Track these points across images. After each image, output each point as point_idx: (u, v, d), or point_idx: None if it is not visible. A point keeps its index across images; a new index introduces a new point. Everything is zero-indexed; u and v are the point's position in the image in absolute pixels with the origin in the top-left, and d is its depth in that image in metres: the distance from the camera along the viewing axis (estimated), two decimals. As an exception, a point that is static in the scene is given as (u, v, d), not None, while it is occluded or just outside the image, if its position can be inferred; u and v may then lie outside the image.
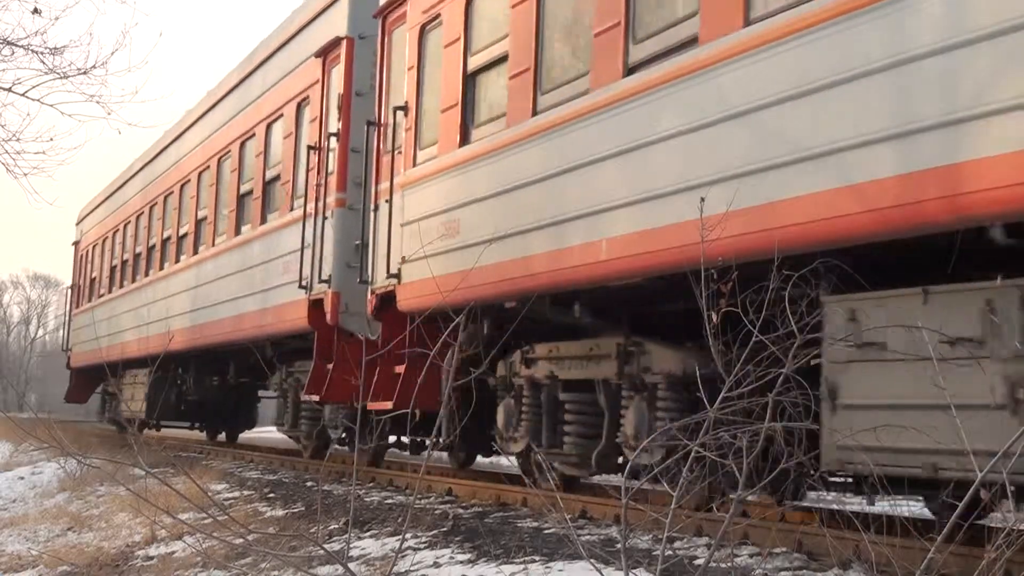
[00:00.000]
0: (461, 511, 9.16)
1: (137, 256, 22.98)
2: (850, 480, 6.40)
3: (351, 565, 6.02)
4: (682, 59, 6.83)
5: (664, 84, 6.94)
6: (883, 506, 6.22)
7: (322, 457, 14.25)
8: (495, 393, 9.94)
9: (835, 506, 7.54)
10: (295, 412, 15.08)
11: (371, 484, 12.19)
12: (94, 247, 27.92)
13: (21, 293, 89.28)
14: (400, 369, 10.20)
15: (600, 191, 7.53)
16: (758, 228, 6.02)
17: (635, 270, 7.26)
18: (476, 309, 8.93)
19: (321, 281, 12.49)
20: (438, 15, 10.17)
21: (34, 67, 15.32)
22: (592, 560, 5.00)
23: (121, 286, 24.14)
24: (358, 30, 12.60)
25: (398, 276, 10.32)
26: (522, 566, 6.23)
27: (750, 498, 6.68)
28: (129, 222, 24.14)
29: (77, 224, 31.02)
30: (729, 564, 5.77)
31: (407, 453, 13.86)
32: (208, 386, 20.87)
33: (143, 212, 22.90)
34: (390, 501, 10.25)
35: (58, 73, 15.06)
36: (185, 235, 19.20)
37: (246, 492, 12.68)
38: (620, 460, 8.68)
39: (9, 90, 15.20)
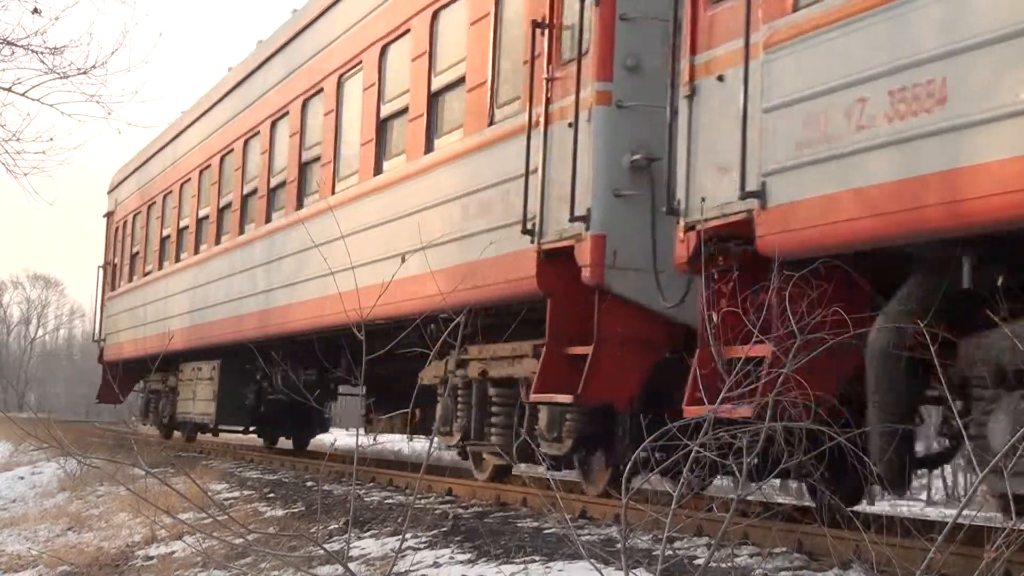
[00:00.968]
0: (461, 511, 9.17)
1: (202, 221, 18.10)
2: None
3: (351, 565, 6.02)
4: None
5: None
6: (883, 506, 6.22)
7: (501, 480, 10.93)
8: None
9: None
10: (481, 417, 10.03)
11: (371, 484, 12.19)
12: (135, 217, 23.17)
13: (21, 293, 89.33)
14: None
15: None
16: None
17: None
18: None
19: (574, 219, 8.10)
20: None
21: (34, 67, 15.32)
22: (592, 560, 5.00)
23: (177, 260, 19.49)
24: None
25: (760, 194, 6.24)
26: (522, 566, 6.23)
27: (750, 498, 6.67)
28: (188, 180, 19.21)
29: (110, 192, 26.12)
30: (729, 564, 5.77)
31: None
32: (302, 382, 15.17)
33: (207, 167, 18.03)
34: (390, 501, 10.25)
35: (58, 73, 15.08)
36: (280, 185, 14.44)
37: (246, 492, 12.69)
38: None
39: (9, 90, 15.22)
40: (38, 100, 15.32)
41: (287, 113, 14.44)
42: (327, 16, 13.28)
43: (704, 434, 4.76)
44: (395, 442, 34.84)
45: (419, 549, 7.27)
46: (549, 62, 8.58)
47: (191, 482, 6.86)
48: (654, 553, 5.94)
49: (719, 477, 6.12)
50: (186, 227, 19.12)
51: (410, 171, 10.80)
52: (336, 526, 8.85)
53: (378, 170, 11.50)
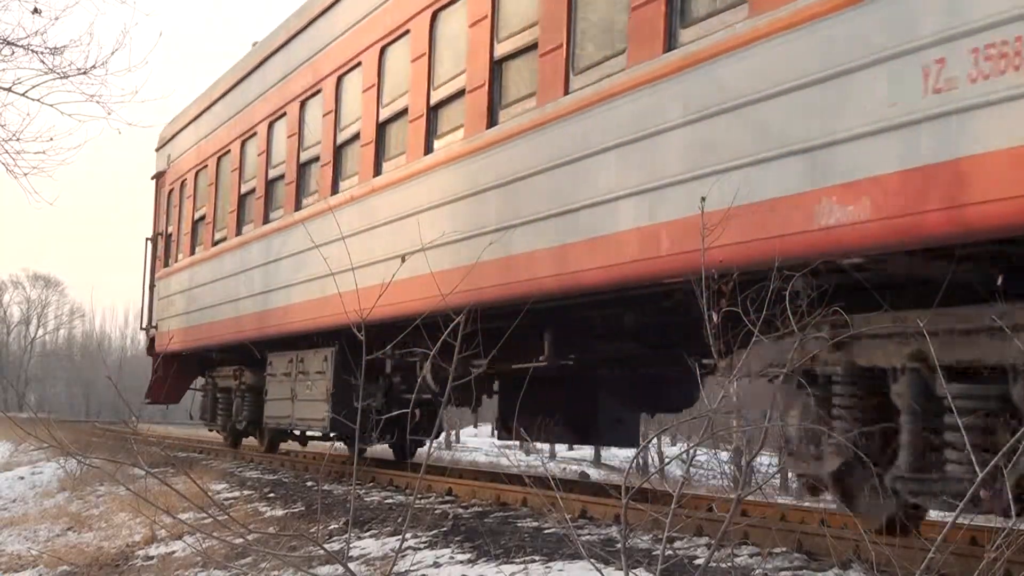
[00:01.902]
0: (461, 511, 9.17)
1: (307, 165, 13.18)
2: None
3: (351, 565, 6.02)
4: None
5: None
6: (883, 506, 6.22)
7: None
8: None
9: (835, 506, 7.54)
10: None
11: (371, 484, 12.19)
12: (197, 173, 17.90)
13: (21, 293, 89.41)
14: None
15: None
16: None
17: None
18: None
19: None
20: None
21: (34, 67, 15.32)
22: (592, 560, 5.00)
23: (266, 221, 14.31)
24: None
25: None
26: (522, 566, 6.23)
27: (750, 497, 6.68)
28: (282, 115, 13.94)
29: (159, 149, 20.81)
30: (729, 564, 5.77)
31: None
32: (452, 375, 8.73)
33: (315, 92, 12.93)
34: (390, 501, 10.25)
35: (58, 73, 15.08)
36: (459, 94, 9.64)
37: (246, 492, 12.69)
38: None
39: (9, 90, 15.21)
40: (38, 100, 15.33)
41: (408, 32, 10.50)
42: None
43: (704, 433, 4.77)
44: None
45: (419, 549, 7.27)
46: None
47: (191, 482, 6.86)
48: (654, 553, 5.95)
49: (719, 477, 6.12)
50: (280, 177, 13.89)
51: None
52: (336, 526, 8.85)
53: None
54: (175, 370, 19.36)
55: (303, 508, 10.55)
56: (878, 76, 5.31)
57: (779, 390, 6.12)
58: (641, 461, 26.34)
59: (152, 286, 20.37)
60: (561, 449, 36.93)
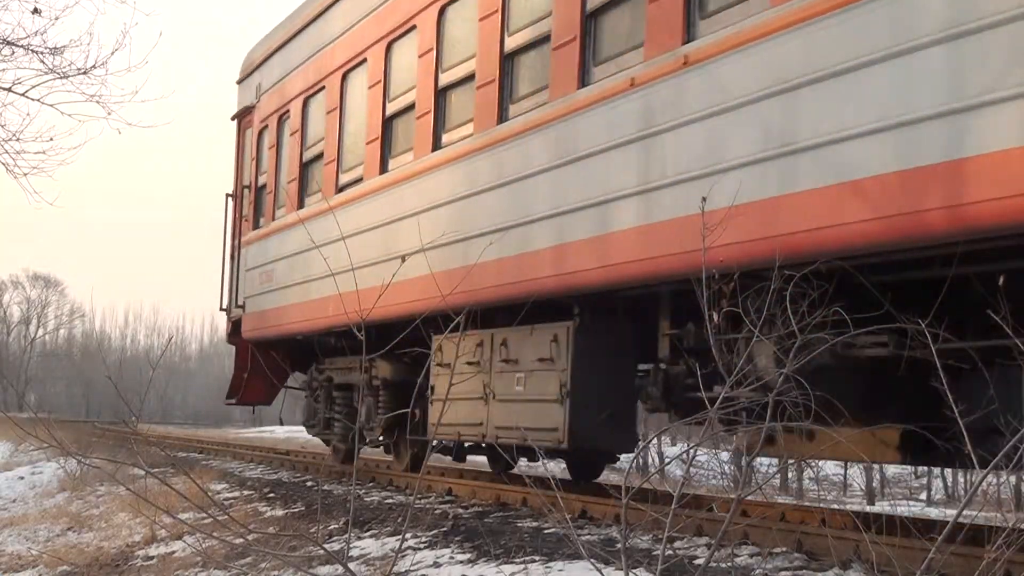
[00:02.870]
0: (461, 511, 9.17)
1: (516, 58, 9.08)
2: None
3: (351, 565, 6.02)
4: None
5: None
6: (883, 506, 6.22)
7: None
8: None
9: (835, 506, 7.55)
10: None
11: (371, 484, 12.19)
12: (307, 100, 13.26)
13: (21, 293, 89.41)
14: None
15: None
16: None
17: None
18: None
19: None
20: None
21: (34, 67, 15.29)
22: (592, 560, 5.00)
23: (436, 147, 10.10)
24: None
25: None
26: (522, 566, 6.23)
27: (750, 497, 6.68)
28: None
29: (242, 80, 16.01)
30: (729, 564, 5.77)
31: None
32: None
33: None
34: (390, 501, 10.25)
35: (58, 73, 15.06)
36: None
37: (246, 492, 12.69)
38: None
39: (9, 90, 15.20)
40: (38, 100, 15.30)
41: None
42: None
43: (704, 434, 4.76)
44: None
45: (419, 549, 7.27)
46: None
47: (191, 482, 6.86)
48: (654, 553, 5.95)
49: (719, 476, 6.12)
50: (467, 79, 9.67)
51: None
52: (336, 526, 8.85)
53: None
54: (263, 362, 14.64)
55: (303, 508, 10.55)
56: None
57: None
58: (641, 461, 26.33)
59: (234, 255, 15.42)
60: (561, 449, 36.93)
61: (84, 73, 15.04)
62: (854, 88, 5.66)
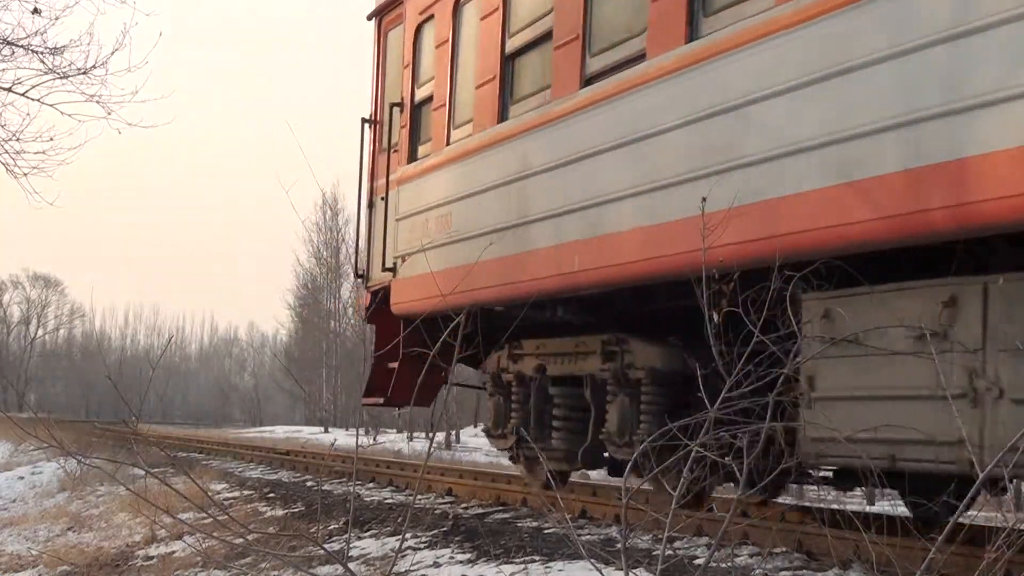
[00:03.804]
0: (461, 511, 9.17)
1: None
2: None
3: (351, 565, 6.02)
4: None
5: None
6: (883, 506, 6.22)
7: None
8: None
9: (835, 506, 7.54)
10: None
11: (371, 484, 12.19)
12: None
13: (21, 293, 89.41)
14: None
15: None
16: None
17: None
18: None
19: None
20: None
21: (34, 67, 15.29)
22: (592, 560, 4.99)
23: None
24: None
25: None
26: (522, 566, 6.23)
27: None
28: None
29: None
30: (729, 564, 5.77)
31: None
32: None
33: None
34: (390, 501, 10.25)
35: (58, 73, 15.05)
36: None
37: (246, 492, 12.69)
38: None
39: (9, 90, 15.19)
40: (38, 100, 15.30)
41: None
42: None
43: (704, 434, 4.75)
44: (395, 442, 34.90)
45: (419, 549, 7.27)
46: None
47: (191, 482, 6.86)
48: (654, 553, 5.94)
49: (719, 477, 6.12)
50: None
51: None
52: (336, 526, 8.85)
53: None
54: (428, 343, 7.75)
55: (303, 508, 10.55)
56: None
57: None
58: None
59: (373, 202, 11.16)
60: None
61: (84, 73, 15.05)
62: None
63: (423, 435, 38.84)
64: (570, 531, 5.38)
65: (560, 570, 6.12)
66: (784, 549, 6.34)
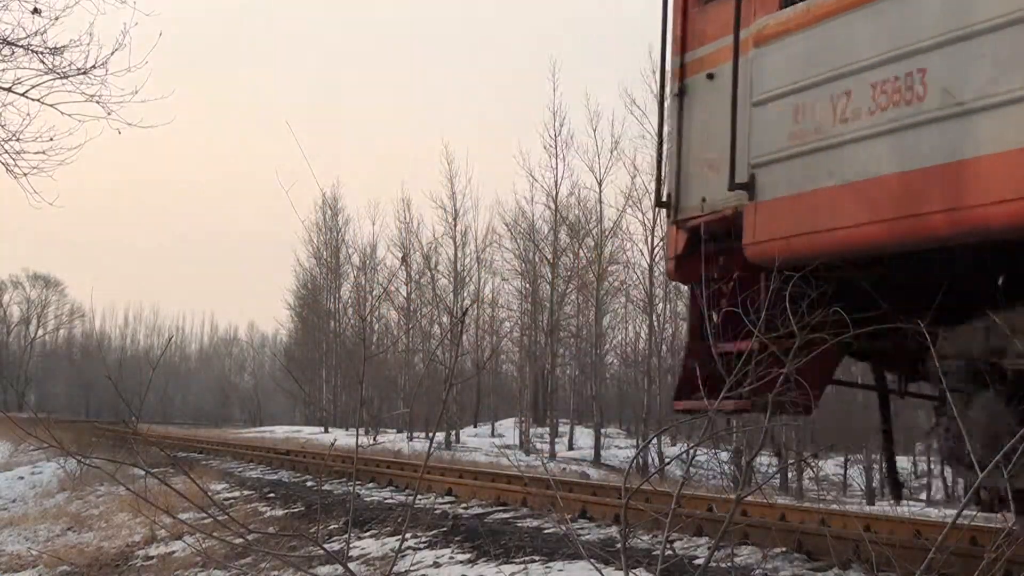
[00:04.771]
0: (461, 511, 9.16)
1: None
2: None
3: (351, 565, 6.02)
4: None
5: None
6: (883, 506, 6.22)
7: None
8: None
9: (835, 506, 7.55)
10: None
11: (371, 484, 12.18)
12: None
13: (21, 293, 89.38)
14: None
15: None
16: None
17: None
18: None
19: None
20: None
21: (34, 67, 15.29)
22: (592, 560, 5.00)
23: None
24: None
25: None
26: (522, 566, 6.23)
27: (749, 498, 6.67)
28: None
29: None
30: (729, 564, 5.77)
31: None
32: None
33: None
34: (390, 501, 10.25)
35: (58, 73, 15.05)
36: None
37: (246, 492, 12.69)
38: None
39: (9, 90, 15.19)
40: (38, 100, 15.28)
41: None
42: None
43: (704, 432, 4.76)
44: (395, 442, 34.90)
45: (419, 549, 7.27)
46: None
47: (191, 482, 6.86)
48: (654, 553, 5.94)
49: (719, 476, 6.11)
50: None
51: None
52: (336, 526, 8.85)
53: None
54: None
55: (303, 508, 10.54)
56: None
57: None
58: (641, 461, 26.33)
59: (685, 91, 7.12)
60: (561, 448, 36.93)
61: (84, 73, 15.03)
62: None
63: (423, 435, 38.86)
64: (570, 531, 5.38)
65: (560, 570, 6.12)
66: (784, 549, 6.34)
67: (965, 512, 4.50)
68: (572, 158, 47.71)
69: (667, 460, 25.37)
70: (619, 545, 5.22)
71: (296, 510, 10.52)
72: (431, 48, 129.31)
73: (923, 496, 24.61)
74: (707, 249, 6.38)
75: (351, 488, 7.06)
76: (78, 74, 15.12)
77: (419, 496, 10.07)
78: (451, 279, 42.15)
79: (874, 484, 26.67)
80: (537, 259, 38.67)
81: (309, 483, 12.98)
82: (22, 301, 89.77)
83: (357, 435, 6.72)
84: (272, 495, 12.07)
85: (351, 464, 8.61)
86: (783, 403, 4.92)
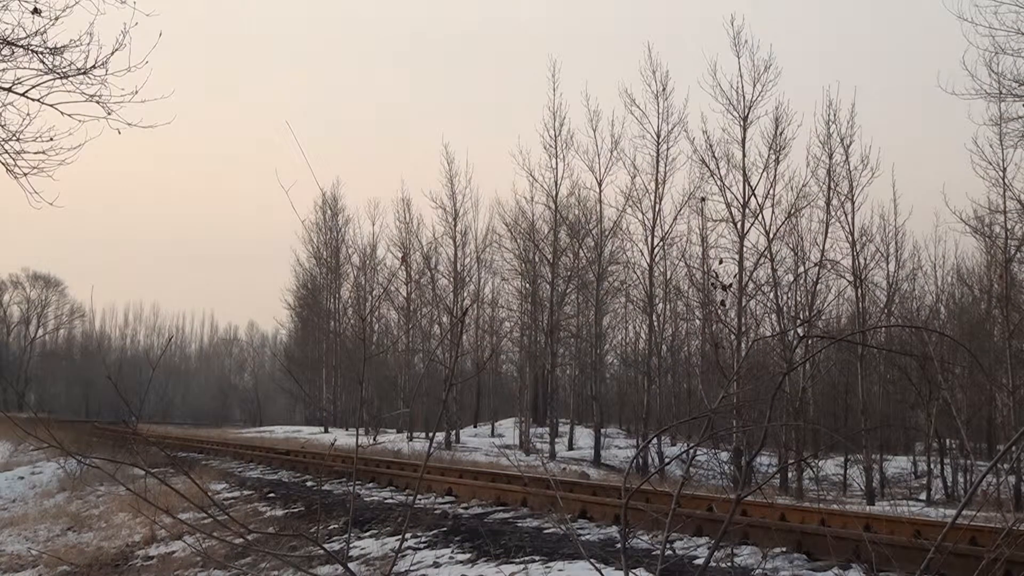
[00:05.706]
0: (461, 511, 9.17)
1: None
2: None
3: (351, 565, 6.03)
4: None
5: None
6: (883, 506, 6.23)
7: None
8: None
9: (835, 506, 7.56)
10: None
11: (371, 484, 12.18)
12: None
13: (21, 293, 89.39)
14: None
15: None
16: None
17: None
18: None
19: None
20: None
21: (34, 67, 15.31)
22: (592, 560, 5.00)
23: None
24: None
25: None
26: (522, 566, 6.23)
27: (749, 497, 6.68)
28: None
29: None
30: (729, 564, 5.77)
31: None
32: None
33: None
34: (390, 501, 10.25)
35: (58, 73, 15.06)
36: None
37: (246, 492, 12.69)
38: None
39: (9, 90, 15.20)
40: (38, 100, 15.30)
41: None
42: None
43: (704, 434, 4.76)
44: (395, 442, 34.90)
45: (419, 549, 7.27)
46: None
47: (191, 482, 6.86)
48: (654, 553, 5.95)
49: (719, 476, 6.12)
50: None
51: None
52: (336, 526, 8.85)
53: None
54: None
55: (303, 508, 10.54)
56: None
57: None
58: (641, 461, 26.32)
59: None
60: (561, 448, 36.93)
61: (84, 73, 15.03)
62: None
63: (423, 435, 38.85)
64: (570, 531, 5.38)
65: (560, 570, 6.12)
66: (784, 549, 6.34)
67: (965, 512, 4.50)
68: (572, 158, 47.63)
69: (667, 460, 25.38)
70: (619, 545, 5.22)
71: (296, 510, 10.52)
72: (431, 48, 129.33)
73: (923, 496, 24.60)
74: None
75: (351, 488, 7.07)
76: (78, 74, 15.13)
77: (419, 496, 10.07)
78: (451, 279, 42.15)
79: (874, 484, 26.66)
80: (537, 259, 38.64)
81: (309, 483, 12.99)
82: (22, 301, 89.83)
83: (357, 435, 6.72)
84: (272, 495, 12.08)
85: (351, 464, 8.64)
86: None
